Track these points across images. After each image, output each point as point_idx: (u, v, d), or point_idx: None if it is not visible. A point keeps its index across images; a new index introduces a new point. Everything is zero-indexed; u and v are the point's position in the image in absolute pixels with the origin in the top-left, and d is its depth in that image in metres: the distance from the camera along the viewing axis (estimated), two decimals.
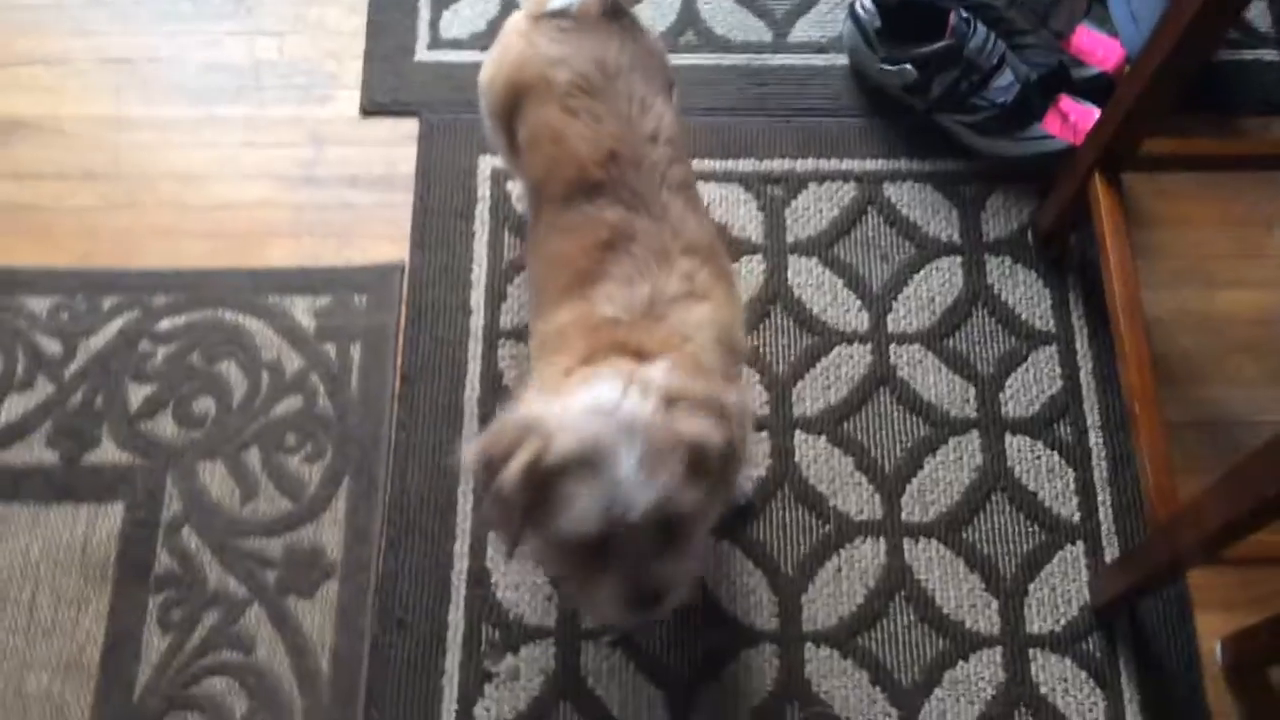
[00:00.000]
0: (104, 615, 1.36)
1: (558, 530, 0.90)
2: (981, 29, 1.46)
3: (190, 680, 1.33)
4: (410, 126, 1.62)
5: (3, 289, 1.53)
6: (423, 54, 1.68)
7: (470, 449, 0.93)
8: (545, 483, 0.89)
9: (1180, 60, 1.15)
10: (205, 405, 1.46)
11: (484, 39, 1.67)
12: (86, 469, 1.43)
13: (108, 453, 1.44)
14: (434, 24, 1.70)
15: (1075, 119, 1.47)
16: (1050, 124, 1.49)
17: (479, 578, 1.36)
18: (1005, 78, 1.47)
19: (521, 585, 1.36)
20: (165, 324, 1.51)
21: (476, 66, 1.53)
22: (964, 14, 1.46)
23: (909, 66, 1.50)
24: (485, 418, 1.43)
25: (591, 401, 0.90)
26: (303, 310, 1.51)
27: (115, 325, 1.50)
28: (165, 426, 1.45)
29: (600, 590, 0.93)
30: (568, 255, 1.08)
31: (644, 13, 1.66)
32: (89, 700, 1.32)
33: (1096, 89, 1.50)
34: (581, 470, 0.88)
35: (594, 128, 1.11)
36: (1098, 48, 1.53)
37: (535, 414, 0.91)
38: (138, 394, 1.47)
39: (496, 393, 1.45)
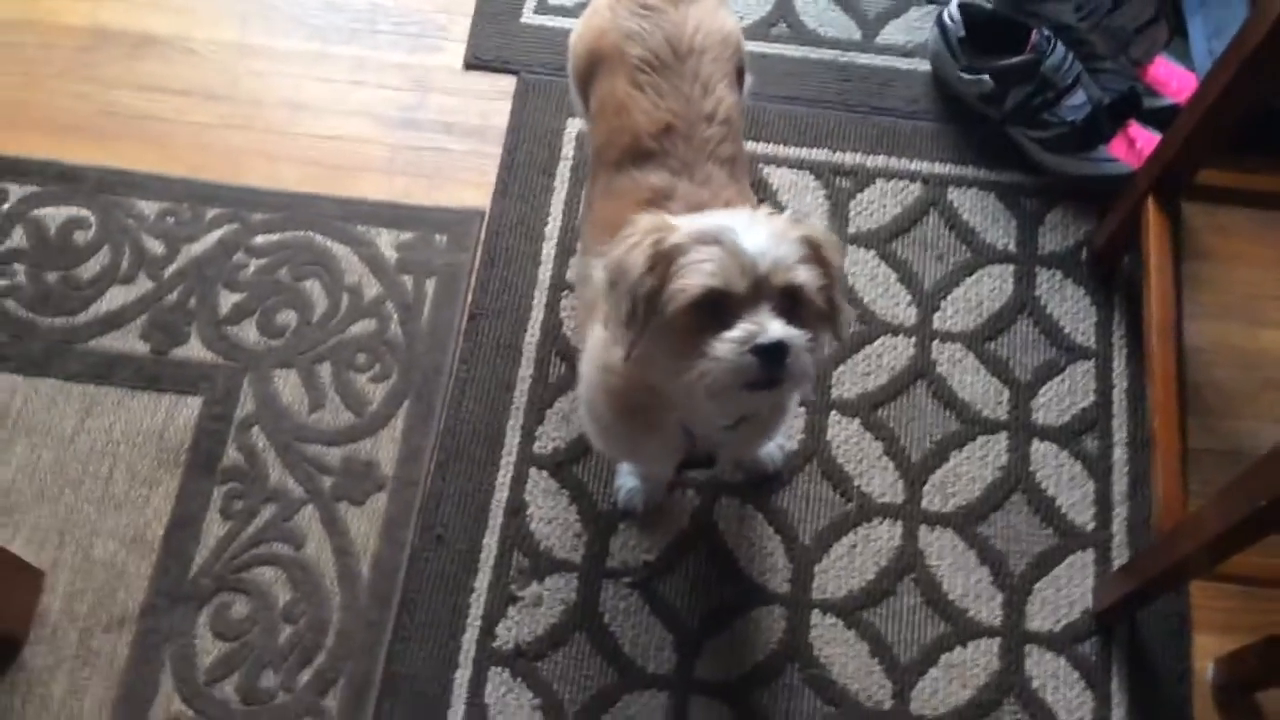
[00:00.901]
0: (172, 497, 1.48)
1: (683, 294, 0.92)
2: (1061, 48, 1.51)
3: (242, 566, 1.44)
4: (508, 83, 1.72)
5: (117, 189, 1.65)
6: (529, 17, 1.77)
7: (601, 260, 0.99)
8: (671, 259, 0.94)
9: (1237, 96, 1.20)
10: (287, 318, 1.57)
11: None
12: (172, 363, 1.55)
13: (194, 350, 1.55)
14: None
15: (1141, 145, 1.51)
16: (1117, 148, 1.54)
17: (516, 508, 1.46)
18: (1078, 98, 1.52)
19: (554, 520, 1.45)
20: (260, 239, 1.62)
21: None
22: (1046, 32, 1.51)
23: (987, 77, 1.56)
24: (541, 361, 1.53)
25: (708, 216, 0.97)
26: (386, 242, 1.61)
27: (215, 235, 1.62)
28: (249, 333, 1.56)
29: (722, 345, 0.92)
30: (611, 218, 1.14)
31: (741, 2, 1.74)
32: (148, 572, 1.44)
33: (1167, 119, 1.54)
34: (707, 240, 0.93)
35: (655, 102, 1.18)
36: (1173, 79, 1.57)
37: (657, 221, 0.97)
38: (228, 300, 1.58)
39: (555, 340, 1.54)
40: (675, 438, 1.11)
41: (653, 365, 1.00)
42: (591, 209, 1.24)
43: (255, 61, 1.74)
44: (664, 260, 0.94)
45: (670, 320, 0.95)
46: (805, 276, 0.94)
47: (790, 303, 0.94)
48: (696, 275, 0.92)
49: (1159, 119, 1.53)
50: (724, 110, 1.20)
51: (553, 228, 1.60)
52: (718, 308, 0.93)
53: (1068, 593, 1.41)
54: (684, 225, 0.96)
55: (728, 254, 0.92)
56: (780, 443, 1.45)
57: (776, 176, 1.63)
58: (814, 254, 0.97)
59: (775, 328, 0.91)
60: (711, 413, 1.04)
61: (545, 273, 1.58)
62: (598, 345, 1.09)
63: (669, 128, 1.16)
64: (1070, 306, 1.55)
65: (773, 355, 0.91)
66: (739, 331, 0.92)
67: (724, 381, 0.93)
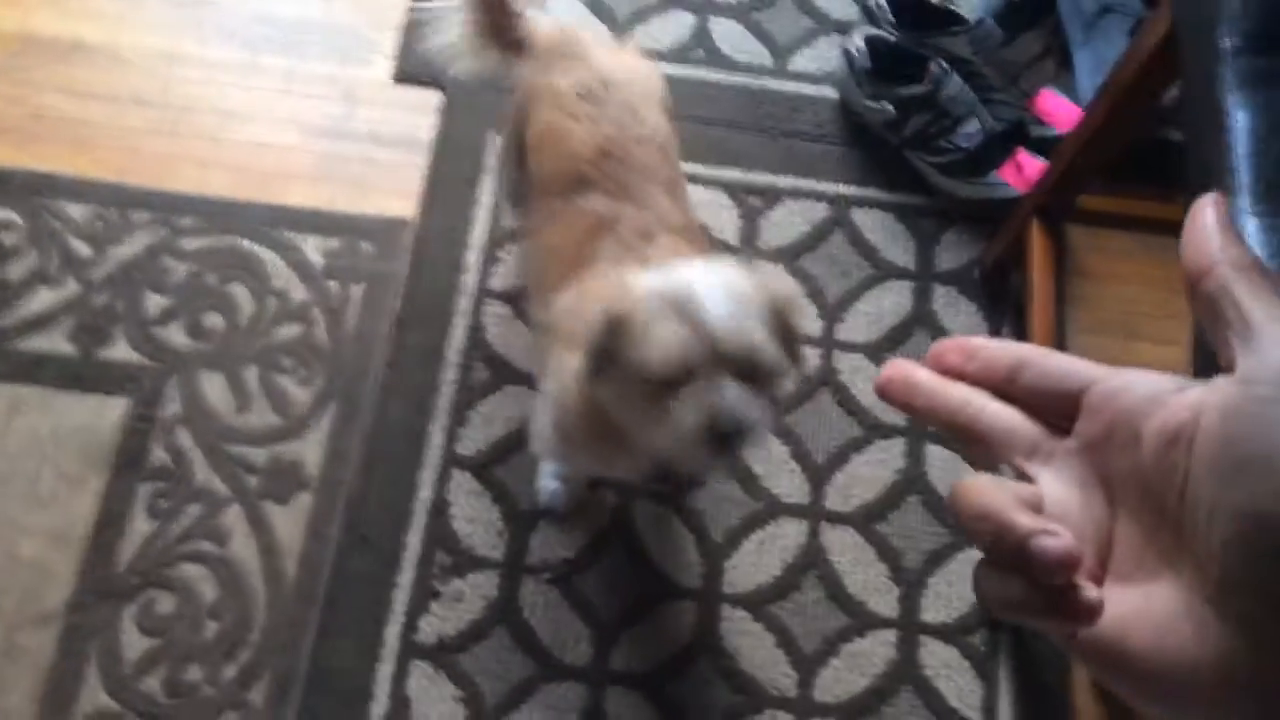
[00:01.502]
0: (98, 496, 1.50)
1: (645, 367, 0.95)
2: (956, 80, 1.62)
3: (168, 564, 1.47)
4: (435, 98, 1.77)
5: (45, 192, 1.67)
6: None
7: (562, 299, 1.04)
8: (631, 325, 0.96)
9: (1113, 127, 1.31)
10: (214, 321, 1.61)
11: None
12: (99, 363, 1.57)
13: (120, 351, 1.58)
14: None
15: (1029, 171, 1.63)
16: (1006, 173, 1.65)
17: (439, 507, 1.51)
18: (971, 126, 1.63)
19: (476, 519, 1.51)
20: (187, 243, 1.65)
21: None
22: (943, 64, 1.62)
23: (889, 105, 1.66)
24: (465, 366, 1.58)
25: (670, 273, 0.99)
26: (313, 248, 1.66)
27: (142, 239, 1.65)
28: (175, 335, 1.59)
29: (682, 414, 0.95)
30: (558, 245, 1.22)
31: (659, 28, 1.82)
32: (74, 569, 1.46)
33: (1053, 148, 1.66)
34: (669, 309, 0.95)
35: (591, 129, 1.24)
36: (1059, 110, 1.69)
37: (622, 282, 1.00)
38: (155, 303, 1.61)
39: (478, 345, 1.60)
40: (646, 460, 1.16)
41: (615, 411, 1.05)
42: (537, 236, 1.29)
43: (185, 69, 1.77)
44: (623, 327, 0.97)
45: (629, 384, 0.99)
46: (767, 346, 0.96)
47: (751, 366, 0.96)
48: (658, 349, 0.95)
49: (1045, 147, 1.64)
50: (656, 134, 1.27)
51: (476, 237, 1.66)
52: (681, 376, 0.96)
53: (959, 588, 1.51)
54: (645, 289, 0.97)
55: (690, 326, 0.94)
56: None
57: (693, 195, 1.70)
58: (777, 317, 0.99)
59: (734, 401, 0.94)
60: (676, 461, 1.09)
61: (470, 280, 1.64)
62: (570, 371, 1.09)
63: (605, 152, 1.22)
64: (963, 320, 1.65)
65: (731, 434, 0.95)
66: (697, 406, 0.95)
67: (683, 449, 0.98)
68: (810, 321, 1.64)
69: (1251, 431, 0.32)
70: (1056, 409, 0.39)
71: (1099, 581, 0.36)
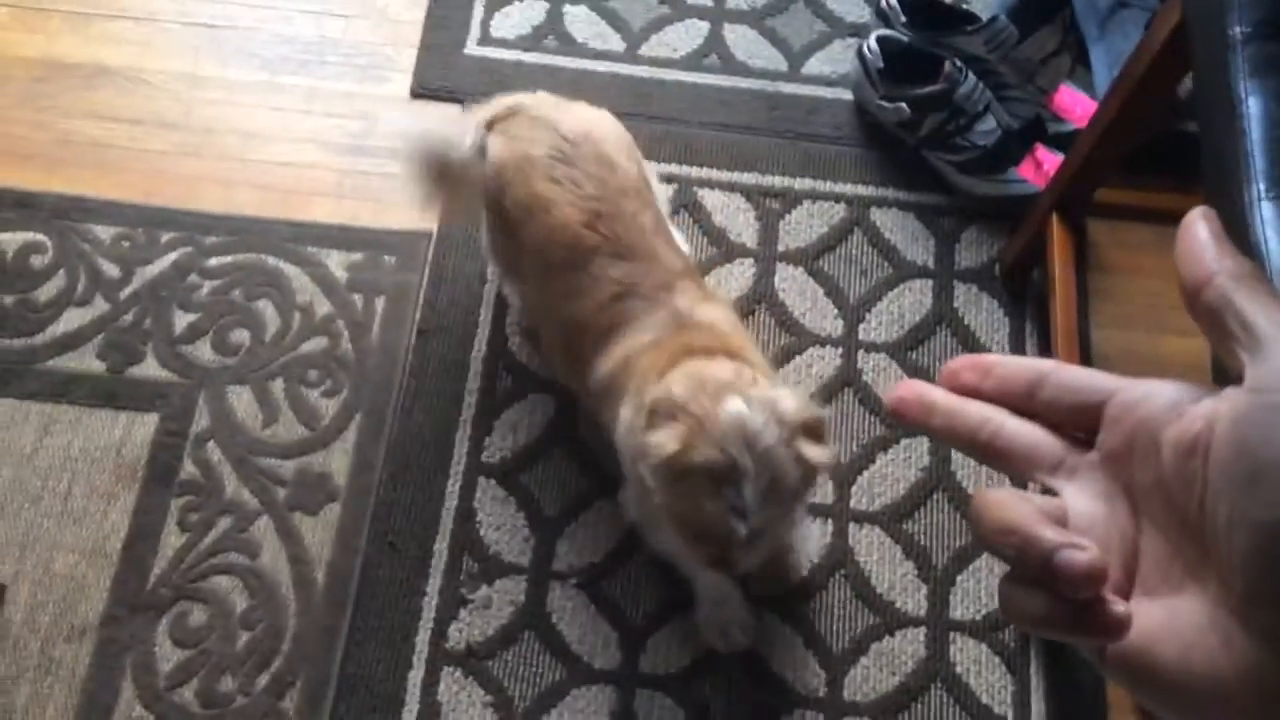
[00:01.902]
0: (129, 511, 1.52)
1: (699, 458, 1.07)
2: (971, 78, 1.62)
3: (199, 576, 1.49)
4: (453, 112, 1.79)
5: (73, 215, 1.70)
6: (472, 48, 1.85)
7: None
8: (683, 472, 1.08)
9: (1129, 119, 1.31)
10: (240, 337, 1.63)
11: (528, 41, 1.85)
12: (129, 381, 1.60)
13: (149, 369, 1.60)
14: (485, 23, 1.87)
15: (1048, 167, 1.62)
16: (1025, 170, 1.65)
17: (466, 515, 1.52)
18: (988, 124, 1.63)
19: (503, 526, 1.52)
20: (214, 261, 1.67)
21: (519, 64, 1.71)
22: (958, 63, 1.62)
23: (904, 105, 1.67)
24: (488, 375, 1.59)
25: (734, 416, 1.07)
26: (337, 263, 1.68)
27: (170, 258, 1.67)
28: (203, 351, 1.62)
29: (711, 509, 1.08)
30: (586, 316, 1.27)
31: (674, 36, 1.84)
32: (107, 584, 1.48)
33: (1071, 143, 1.66)
34: (716, 478, 1.06)
35: (574, 191, 1.29)
36: (1076, 106, 1.69)
37: (692, 407, 1.09)
38: (182, 320, 1.63)
39: (501, 354, 1.61)
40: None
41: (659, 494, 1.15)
42: (555, 311, 1.34)
43: (207, 91, 1.80)
44: (679, 470, 1.08)
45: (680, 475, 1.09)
46: (792, 470, 1.08)
47: (778, 486, 1.08)
48: (694, 512, 1.10)
49: (1064, 143, 1.64)
50: (631, 180, 1.32)
51: None
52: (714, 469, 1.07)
53: (988, 584, 1.50)
54: (708, 439, 1.07)
55: (730, 502, 1.06)
56: (808, 553, 1.51)
57: (711, 199, 1.72)
58: (810, 436, 1.10)
59: (754, 520, 1.07)
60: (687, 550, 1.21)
61: (490, 290, 1.65)
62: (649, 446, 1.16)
63: (597, 213, 1.28)
64: (985, 318, 1.65)
65: (739, 542, 1.08)
66: (726, 506, 1.07)
67: (699, 541, 1.13)
68: (830, 321, 1.64)
69: (1265, 440, 0.32)
70: (1077, 422, 0.39)
71: (1126, 595, 0.36)
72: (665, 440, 1.08)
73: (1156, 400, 0.36)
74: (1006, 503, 0.35)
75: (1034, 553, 0.34)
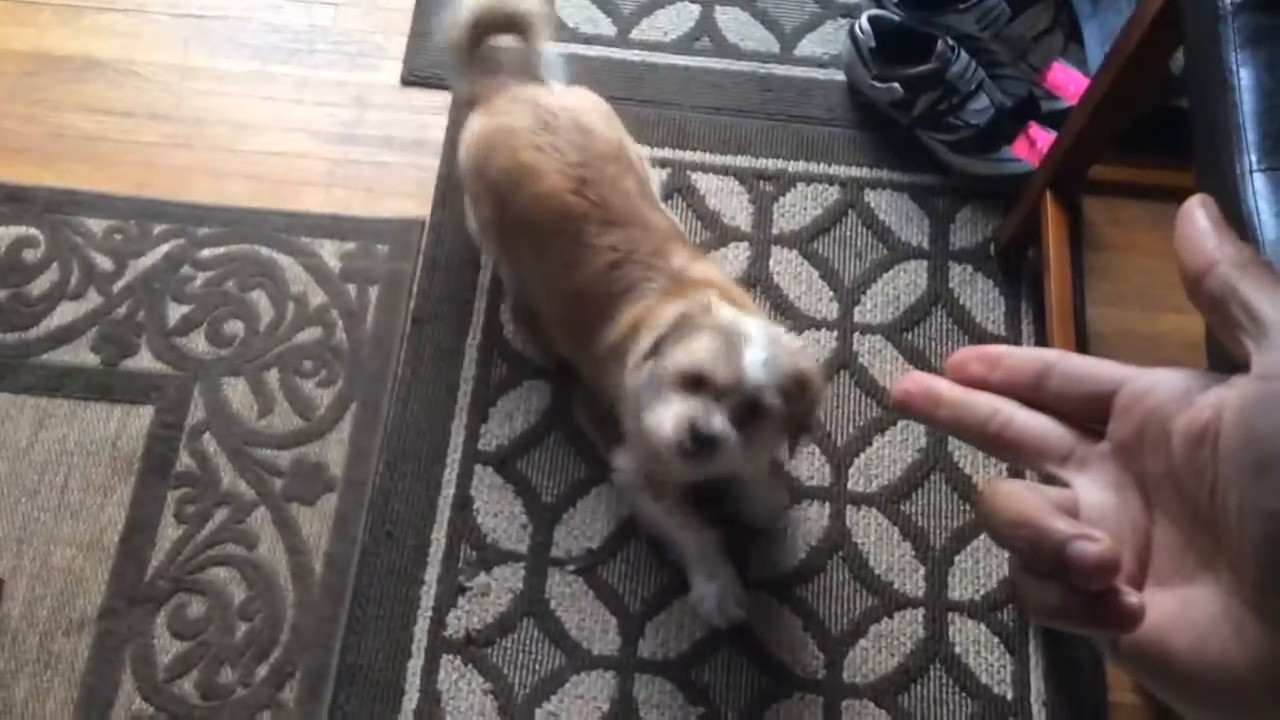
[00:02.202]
0: (126, 503, 1.52)
1: (674, 358, 1.16)
2: (964, 57, 1.61)
3: (197, 568, 1.49)
4: (444, 99, 1.78)
5: (65, 208, 1.69)
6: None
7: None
8: (687, 331, 1.16)
9: (1121, 95, 1.30)
10: (235, 328, 1.62)
11: None
12: (123, 373, 1.59)
13: (144, 361, 1.60)
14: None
15: (1042, 145, 1.62)
16: (1019, 148, 1.64)
17: (463, 503, 1.52)
18: (981, 102, 1.62)
19: (500, 513, 1.51)
20: (206, 253, 1.67)
21: (510, 50, 1.69)
22: (950, 42, 1.62)
23: (896, 85, 1.66)
24: (484, 362, 1.59)
25: (741, 318, 1.18)
26: (330, 252, 1.67)
27: (162, 250, 1.67)
28: (197, 343, 1.61)
29: (673, 410, 1.15)
30: (586, 286, 1.31)
31: (666, 19, 1.83)
32: (105, 577, 1.48)
33: (1065, 120, 1.65)
34: (721, 337, 1.15)
35: (560, 159, 1.32)
36: (1069, 83, 1.68)
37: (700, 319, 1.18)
38: (176, 312, 1.63)
39: (496, 341, 1.61)
40: None
41: (639, 394, 1.23)
42: (557, 281, 1.37)
43: (198, 82, 1.80)
44: (683, 327, 1.17)
45: (659, 373, 1.18)
46: (773, 401, 1.15)
47: (753, 409, 1.15)
48: (693, 353, 1.15)
49: (1057, 120, 1.63)
50: (612, 147, 1.36)
51: None
52: (699, 381, 1.14)
53: (985, 564, 1.50)
54: (721, 313, 1.18)
55: (726, 355, 1.14)
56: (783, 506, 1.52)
57: (704, 183, 1.71)
58: (796, 385, 1.17)
59: (716, 423, 1.13)
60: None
61: (485, 277, 1.65)
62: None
63: (582, 180, 1.31)
64: (981, 298, 1.64)
65: (702, 440, 1.13)
66: (687, 408, 1.14)
67: (661, 438, 1.15)
68: (826, 304, 1.64)
69: (1274, 428, 0.32)
70: (1086, 412, 0.39)
71: (1138, 585, 0.36)
72: (681, 351, 1.16)
73: (1165, 389, 0.36)
74: (1017, 494, 0.35)
75: (1046, 545, 0.33)
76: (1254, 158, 0.96)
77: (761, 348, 1.14)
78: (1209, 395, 0.34)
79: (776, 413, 1.16)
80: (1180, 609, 0.34)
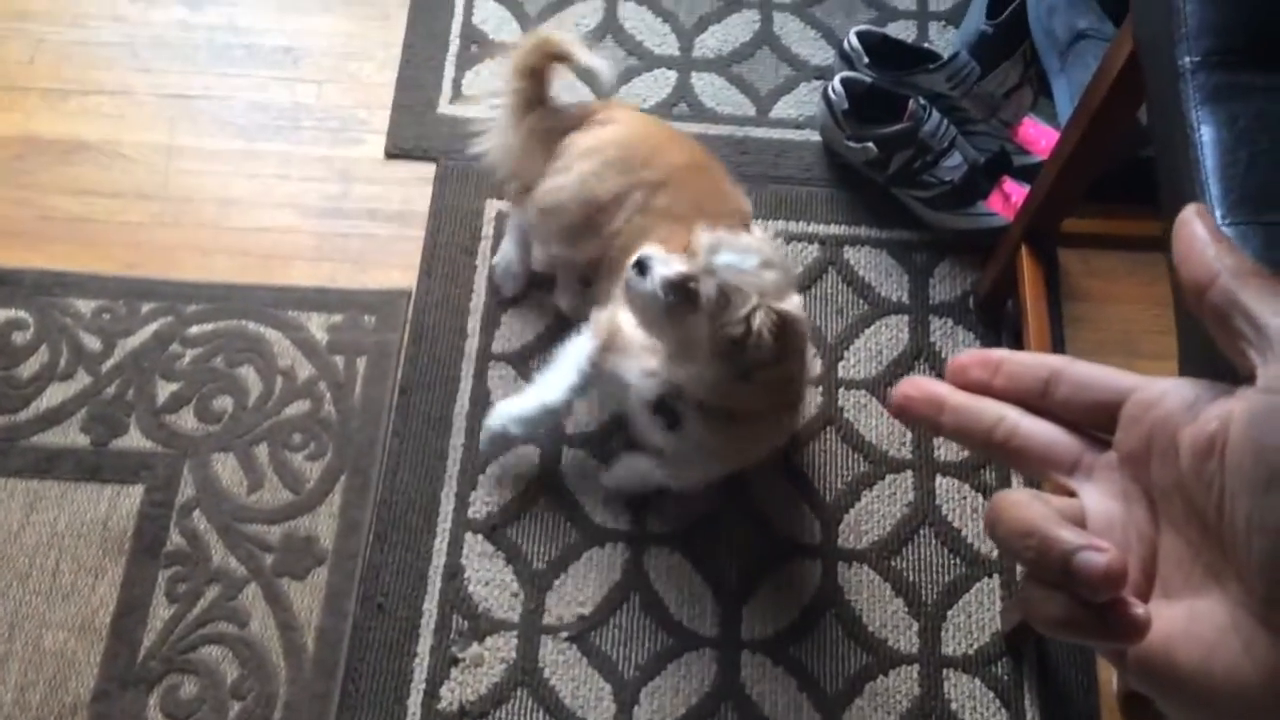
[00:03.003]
0: (117, 584, 1.52)
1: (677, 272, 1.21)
2: (936, 115, 1.64)
3: (189, 648, 1.48)
4: (428, 170, 1.81)
5: (54, 290, 1.71)
6: (444, 107, 1.87)
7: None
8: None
9: (1090, 149, 1.33)
10: (224, 403, 1.63)
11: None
12: (113, 453, 1.60)
13: (134, 440, 1.61)
14: (457, 82, 1.90)
15: (1016, 200, 1.64)
16: (994, 203, 1.67)
17: (454, 573, 1.52)
18: (954, 159, 1.65)
19: (491, 582, 1.51)
20: (195, 330, 1.68)
21: (493, 120, 1.73)
22: (921, 101, 1.65)
23: (871, 144, 1.69)
24: (472, 430, 1.60)
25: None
26: (317, 325, 1.69)
27: (151, 328, 1.68)
28: (187, 420, 1.62)
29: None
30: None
31: (643, 86, 1.86)
32: (98, 659, 1.47)
33: (1037, 174, 1.67)
34: (723, 238, 1.22)
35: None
36: (1041, 138, 1.71)
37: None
38: (165, 390, 1.64)
39: (484, 408, 1.61)
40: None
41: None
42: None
43: (184, 161, 1.82)
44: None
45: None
46: (708, 291, 1.19)
47: (684, 291, 1.21)
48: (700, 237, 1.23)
49: (1030, 175, 1.65)
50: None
51: (477, 303, 1.69)
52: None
53: (978, 618, 1.50)
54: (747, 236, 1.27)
55: (712, 249, 1.20)
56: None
57: None
58: (734, 296, 1.19)
59: (657, 258, 1.22)
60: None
61: (472, 345, 1.66)
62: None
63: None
64: (962, 350, 1.66)
65: (640, 265, 1.22)
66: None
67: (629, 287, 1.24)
68: (809, 360, 1.65)
69: None
70: (1092, 421, 0.38)
71: (1145, 596, 0.36)
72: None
73: (1173, 399, 0.36)
74: (1024, 504, 0.35)
75: (1053, 554, 0.33)
76: (1219, 213, 0.98)
77: (735, 253, 1.20)
78: (1216, 406, 0.34)
79: (707, 308, 1.19)
80: (1188, 621, 0.34)
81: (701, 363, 1.25)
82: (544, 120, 1.53)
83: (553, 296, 1.67)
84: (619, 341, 1.39)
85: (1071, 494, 0.38)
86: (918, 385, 0.40)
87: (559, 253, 1.59)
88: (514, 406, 1.46)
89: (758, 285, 1.19)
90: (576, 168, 1.50)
